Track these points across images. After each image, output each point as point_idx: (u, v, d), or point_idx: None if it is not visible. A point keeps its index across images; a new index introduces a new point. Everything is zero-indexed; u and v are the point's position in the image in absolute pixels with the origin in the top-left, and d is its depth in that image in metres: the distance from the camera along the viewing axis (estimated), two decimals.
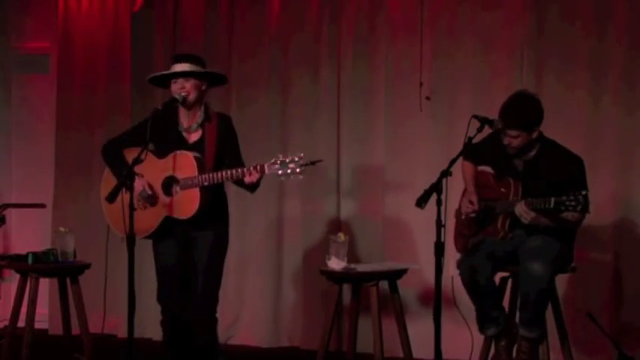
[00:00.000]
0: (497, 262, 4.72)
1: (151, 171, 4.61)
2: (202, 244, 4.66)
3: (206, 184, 4.53)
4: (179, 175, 4.58)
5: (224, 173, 4.52)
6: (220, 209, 4.73)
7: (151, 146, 4.54)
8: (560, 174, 4.58)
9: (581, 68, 5.65)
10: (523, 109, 4.60)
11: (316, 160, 4.55)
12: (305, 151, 5.83)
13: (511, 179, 4.71)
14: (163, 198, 4.62)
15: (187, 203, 4.56)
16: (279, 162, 4.45)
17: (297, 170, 4.43)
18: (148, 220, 4.62)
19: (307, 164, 4.45)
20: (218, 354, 4.80)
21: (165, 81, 4.71)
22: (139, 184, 4.56)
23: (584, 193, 4.39)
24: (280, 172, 4.44)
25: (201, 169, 4.56)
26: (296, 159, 4.43)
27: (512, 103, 4.64)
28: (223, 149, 4.69)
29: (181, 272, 4.71)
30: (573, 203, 4.39)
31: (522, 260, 4.57)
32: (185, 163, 4.57)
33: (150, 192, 4.59)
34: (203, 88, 4.68)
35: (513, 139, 4.62)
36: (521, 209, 4.57)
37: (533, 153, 4.71)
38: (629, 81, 5.56)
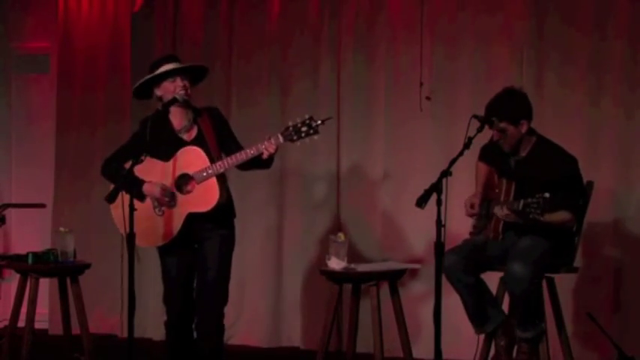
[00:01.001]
0: (488, 262, 4.72)
1: (159, 176, 4.56)
2: (212, 242, 4.60)
3: (222, 170, 4.49)
4: (191, 171, 4.53)
5: (237, 155, 4.48)
6: (229, 205, 4.70)
7: (145, 156, 4.46)
8: (550, 173, 4.56)
9: (581, 68, 5.64)
10: (507, 102, 4.63)
11: (325, 118, 4.52)
12: (305, 151, 5.91)
13: (505, 179, 4.71)
14: (180, 197, 4.55)
15: (207, 195, 4.49)
16: (291, 128, 4.43)
17: (311, 132, 4.41)
18: (169, 223, 4.55)
19: (319, 123, 4.42)
20: (222, 356, 4.76)
21: (149, 90, 4.65)
22: (155, 189, 4.52)
23: (546, 195, 4.32)
24: (295, 137, 4.42)
25: (212, 159, 4.53)
26: (307, 120, 4.42)
27: (496, 97, 4.68)
28: (222, 139, 4.65)
29: (188, 273, 4.69)
30: (535, 206, 4.36)
31: (507, 261, 4.58)
32: (194, 157, 4.52)
33: (171, 191, 4.52)
34: None
35: (503, 135, 4.62)
36: (499, 211, 4.58)
37: (525, 152, 4.71)
38: (629, 81, 5.56)
